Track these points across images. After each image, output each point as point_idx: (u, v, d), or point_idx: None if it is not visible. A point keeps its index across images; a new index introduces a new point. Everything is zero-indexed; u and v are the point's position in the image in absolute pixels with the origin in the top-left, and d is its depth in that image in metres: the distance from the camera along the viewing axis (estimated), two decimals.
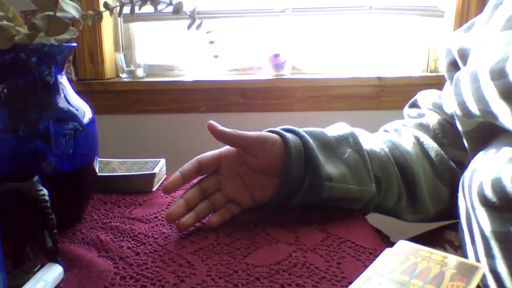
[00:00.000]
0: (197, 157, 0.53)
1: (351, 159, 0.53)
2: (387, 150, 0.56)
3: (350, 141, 0.54)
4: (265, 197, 0.53)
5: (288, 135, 0.52)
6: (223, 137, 0.51)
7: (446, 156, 0.57)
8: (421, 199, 0.56)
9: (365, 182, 0.52)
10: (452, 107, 0.53)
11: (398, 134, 0.61)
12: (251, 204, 0.54)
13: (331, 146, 0.54)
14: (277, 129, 0.53)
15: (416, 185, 0.55)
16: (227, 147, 0.54)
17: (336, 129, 0.57)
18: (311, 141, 0.52)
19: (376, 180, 0.54)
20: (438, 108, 0.60)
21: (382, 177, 0.54)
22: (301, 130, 0.53)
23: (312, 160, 0.50)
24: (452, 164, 0.56)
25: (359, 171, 0.52)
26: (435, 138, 0.58)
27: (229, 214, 0.52)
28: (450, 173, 0.56)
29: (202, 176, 0.53)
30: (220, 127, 0.51)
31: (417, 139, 0.59)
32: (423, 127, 0.60)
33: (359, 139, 0.55)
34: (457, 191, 0.48)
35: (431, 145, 0.57)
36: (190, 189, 0.52)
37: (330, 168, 0.51)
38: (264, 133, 0.52)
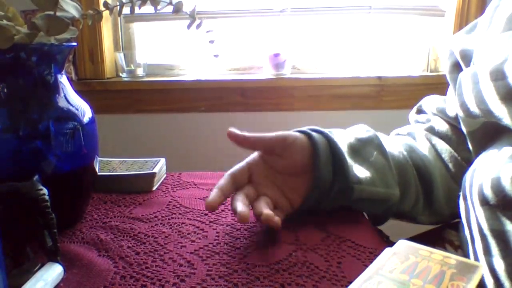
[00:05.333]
0: (227, 172, 0.51)
1: (378, 162, 0.52)
2: (405, 153, 0.56)
3: (376, 143, 0.54)
4: (298, 200, 0.51)
5: (313, 133, 0.51)
6: (245, 143, 0.50)
7: (459, 157, 0.56)
8: (437, 202, 0.55)
9: (391, 185, 0.52)
10: (455, 109, 0.53)
11: (413, 137, 0.61)
12: (290, 208, 0.51)
13: (357, 148, 0.53)
14: (303, 128, 0.53)
15: (433, 188, 0.55)
16: (251, 156, 0.52)
17: (359, 130, 0.56)
18: (337, 142, 0.51)
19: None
20: (442, 113, 0.60)
21: (400, 180, 0.53)
22: (326, 131, 0.52)
23: (341, 162, 0.50)
24: (465, 164, 0.56)
25: (386, 175, 0.52)
26: (443, 140, 0.58)
27: (282, 215, 0.49)
28: (463, 173, 0.56)
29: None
30: (241, 133, 0.50)
31: (430, 141, 0.59)
32: (432, 131, 0.60)
33: (382, 141, 0.54)
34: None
35: (444, 147, 0.57)
36: (234, 196, 0.49)
37: (358, 170, 0.51)
38: (283, 132, 0.51)
